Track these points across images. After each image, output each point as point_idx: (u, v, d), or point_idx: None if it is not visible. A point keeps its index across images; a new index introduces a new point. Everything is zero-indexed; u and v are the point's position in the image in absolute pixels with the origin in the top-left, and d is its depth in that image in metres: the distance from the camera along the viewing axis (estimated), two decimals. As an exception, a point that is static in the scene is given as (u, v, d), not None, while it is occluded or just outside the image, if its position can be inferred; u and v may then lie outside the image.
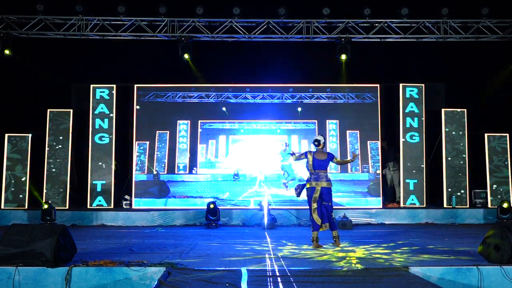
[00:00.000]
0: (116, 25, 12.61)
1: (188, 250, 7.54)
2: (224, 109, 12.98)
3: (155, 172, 12.78)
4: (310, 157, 8.06)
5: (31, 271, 5.87)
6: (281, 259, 6.81)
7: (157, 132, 13.04)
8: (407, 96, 12.83)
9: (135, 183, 12.77)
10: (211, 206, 11.36)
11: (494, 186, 12.60)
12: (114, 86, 12.81)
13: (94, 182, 12.46)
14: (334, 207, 8.17)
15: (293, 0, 12.49)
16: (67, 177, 12.34)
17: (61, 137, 12.45)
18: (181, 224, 11.75)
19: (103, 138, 12.62)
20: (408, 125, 12.75)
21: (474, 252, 6.88)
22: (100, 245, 8.04)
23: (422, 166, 12.62)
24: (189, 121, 13.09)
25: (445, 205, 12.49)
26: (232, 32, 12.70)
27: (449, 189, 12.55)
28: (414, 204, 12.46)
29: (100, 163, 12.53)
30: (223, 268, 6.05)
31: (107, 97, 12.74)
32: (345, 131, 13.06)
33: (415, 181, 12.54)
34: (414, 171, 12.60)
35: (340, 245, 7.93)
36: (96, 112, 12.68)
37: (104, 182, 12.45)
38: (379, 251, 7.50)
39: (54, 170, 12.35)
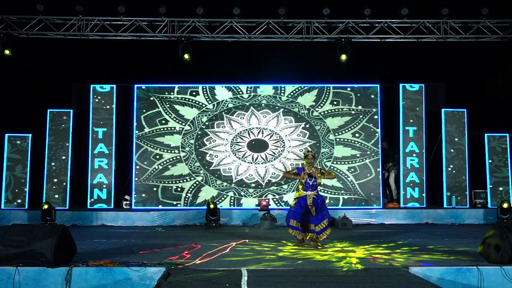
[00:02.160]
0: (116, 25, 12.61)
1: (188, 250, 7.54)
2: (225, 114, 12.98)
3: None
4: None
5: (31, 271, 5.87)
6: (281, 259, 6.81)
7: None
8: (407, 96, 12.85)
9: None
10: (211, 206, 11.37)
11: (494, 186, 12.60)
12: (114, 86, 12.83)
13: (94, 182, 12.47)
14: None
15: (293, 0, 12.49)
16: (67, 177, 12.35)
17: (61, 137, 12.47)
18: (181, 224, 11.75)
19: (103, 138, 12.61)
20: (408, 125, 12.76)
21: (474, 252, 6.88)
22: (100, 245, 8.04)
23: (422, 166, 12.63)
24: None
25: (445, 205, 12.50)
26: (232, 32, 12.70)
27: (449, 189, 12.56)
28: (414, 196, 12.50)
29: (100, 163, 12.53)
30: (223, 268, 6.05)
31: (107, 97, 12.74)
32: (345, 131, 13.06)
33: (416, 180, 12.60)
34: (414, 171, 12.61)
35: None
36: (96, 112, 12.68)
37: (104, 182, 12.47)
38: (379, 251, 7.50)
39: (54, 170, 12.36)
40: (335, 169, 12.67)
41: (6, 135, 12.34)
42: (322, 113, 12.94)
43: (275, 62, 12.97)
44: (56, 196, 12.25)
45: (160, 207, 12.43)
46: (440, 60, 13.20)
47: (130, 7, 12.31)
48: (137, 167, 12.63)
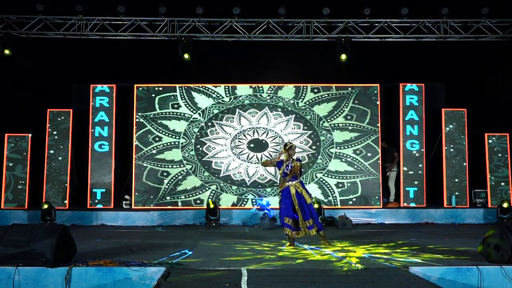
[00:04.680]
0: (116, 25, 12.62)
1: (188, 250, 7.54)
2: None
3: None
4: None
5: (31, 271, 5.87)
6: (281, 259, 6.81)
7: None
8: (407, 96, 12.85)
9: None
10: (211, 206, 11.37)
11: (494, 186, 12.60)
12: (114, 86, 12.82)
13: (94, 182, 12.47)
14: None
15: (293, 0, 12.50)
16: (67, 177, 12.35)
17: (61, 137, 12.47)
18: (181, 224, 11.76)
19: (103, 138, 12.62)
20: (408, 125, 12.76)
21: (474, 252, 6.88)
22: (100, 245, 8.04)
23: (422, 166, 12.63)
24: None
25: (445, 205, 12.50)
26: (232, 32, 12.71)
27: (449, 189, 12.56)
28: (413, 195, 12.49)
29: (100, 163, 12.53)
30: (223, 268, 6.05)
31: (107, 97, 12.74)
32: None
33: (416, 179, 12.60)
34: (414, 171, 12.62)
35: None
36: (96, 112, 12.69)
37: (104, 182, 12.48)
38: (379, 251, 7.50)
39: (54, 170, 12.36)
40: (342, 154, 12.70)
41: (6, 135, 12.33)
42: (307, 102, 12.91)
43: (274, 61, 12.98)
44: (56, 196, 12.25)
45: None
46: (440, 60, 13.20)
47: (130, 7, 12.32)
48: (149, 187, 12.55)
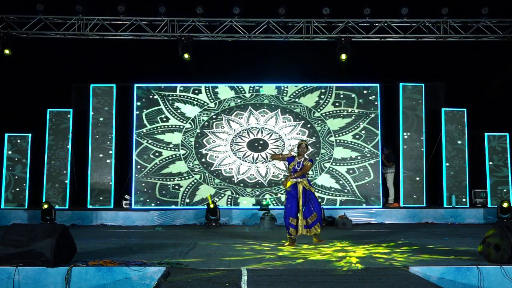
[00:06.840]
0: (116, 24, 12.62)
1: (188, 250, 7.54)
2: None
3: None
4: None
5: (31, 271, 5.86)
6: (281, 259, 6.81)
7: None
8: (407, 95, 12.84)
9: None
10: (211, 205, 11.37)
11: (494, 185, 12.60)
12: (114, 85, 12.82)
13: (94, 182, 12.46)
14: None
15: (293, 0, 12.51)
16: (67, 177, 12.35)
17: (61, 137, 12.47)
18: (181, 224, 11.76)
19: (103, 138, 12.61)
20: (408, 125, 12.75)
21: (474, 252, 6.88)
22: (100, 245, 8.04)
23: (422, 166, 12.63)
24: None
25: (445, 205, 12.50)
26: (232, 32, 12.71)
27: (449, 189, 12.56)
28: (413, 195, 12.51)
29: (100, 163, 12.52)
30: (223, 268, 6.05)
31: (107, 97, 12.73)
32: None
33: (416, 179, 12.58)
34: (414, 171, 12.61)
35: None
36: (96, 111, 12.68)
37: (104, 182, 12.47)
38: (379, 250, 7.50)
39: (54, 170, 12.36)
40: (342, 141, 12.71)
41: (6, 134, 12.34)
42: (292, 96, 12.90)
43: (275, 61, 12.98)
44: (56, 196, 12.25)
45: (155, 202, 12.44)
46: (440, 59, 13.20)
47: (130, 7, 12.32)
48: (166, 202, 12.53)
